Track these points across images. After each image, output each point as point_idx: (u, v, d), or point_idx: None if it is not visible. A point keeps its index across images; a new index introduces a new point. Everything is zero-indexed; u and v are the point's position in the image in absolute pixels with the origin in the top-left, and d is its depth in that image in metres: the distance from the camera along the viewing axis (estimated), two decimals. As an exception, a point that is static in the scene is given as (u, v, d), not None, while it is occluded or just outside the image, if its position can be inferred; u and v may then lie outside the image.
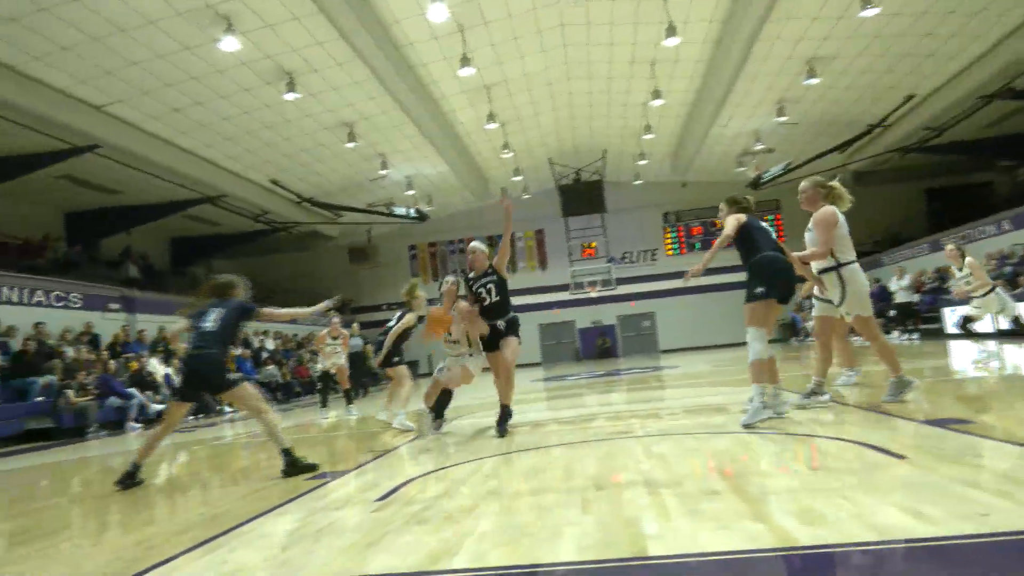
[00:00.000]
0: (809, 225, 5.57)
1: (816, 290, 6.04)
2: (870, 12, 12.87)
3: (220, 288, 5.08)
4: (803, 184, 5.71)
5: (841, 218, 5.43)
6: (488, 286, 5.85)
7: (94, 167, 15.20)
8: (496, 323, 5.85)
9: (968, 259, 9.19)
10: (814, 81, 16.28)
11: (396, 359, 7.70)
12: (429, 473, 4.18)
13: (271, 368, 17.95)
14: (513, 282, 24.69)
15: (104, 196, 17.45)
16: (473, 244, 6.09)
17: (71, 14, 10.70)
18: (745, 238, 5.17)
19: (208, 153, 16.80)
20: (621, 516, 2.61)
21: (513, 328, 5.92)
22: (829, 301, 5.62)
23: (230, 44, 11.80)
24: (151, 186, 16.81)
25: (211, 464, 6.16)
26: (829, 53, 15.51)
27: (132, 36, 11.63)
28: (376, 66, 14.14)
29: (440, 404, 6.42)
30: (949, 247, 9.38)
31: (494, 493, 3.31)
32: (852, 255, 5.35)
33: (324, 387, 12.07)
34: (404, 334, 7.54)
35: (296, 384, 18.49)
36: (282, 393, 17.61)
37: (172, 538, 3.01)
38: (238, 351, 17.56)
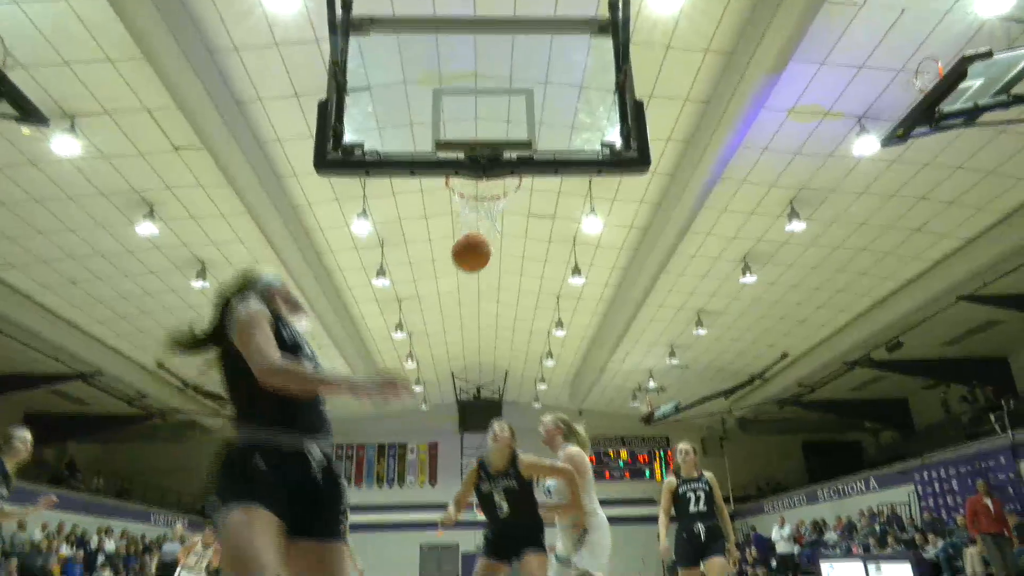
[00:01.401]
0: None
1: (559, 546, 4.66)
2: (749, 279, 14.54)
3: None
4: (546, 418, 5.07)
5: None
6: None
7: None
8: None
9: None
10: (702, 332, 17.72)
11: None
12: None
13: (106, 574, 15.61)
14: (399, 496, 23.36)
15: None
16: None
17: (-15, 178, 10.59)
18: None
19: (96, 329, 15.98)
20: None
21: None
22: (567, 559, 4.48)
23: (147, 229, 11.84)
24: (18, 356, 15.59)
25: None
26: (716, 308, 17.11)
27: (46, 207, 11.51)
28: (292, 267, 14.39)
29: None
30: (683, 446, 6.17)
31: None
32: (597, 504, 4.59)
33: None
34: None
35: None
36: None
37: None
38: (69, 551, 15.30)
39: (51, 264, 13.09)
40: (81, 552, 15.77)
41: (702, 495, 5.41)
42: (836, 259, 14.15)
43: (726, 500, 27.94)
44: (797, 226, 12.35)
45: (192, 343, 2.73)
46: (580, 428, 5.01)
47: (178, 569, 9.54)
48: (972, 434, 15.83)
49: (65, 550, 15.17)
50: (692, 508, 5.35)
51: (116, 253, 13.13)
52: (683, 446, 5.76)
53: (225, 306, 2.71)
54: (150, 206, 11.70)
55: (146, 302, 15.24)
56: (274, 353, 2.40)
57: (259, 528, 2.17)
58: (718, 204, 12.54)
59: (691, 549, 5.26)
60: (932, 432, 18.99)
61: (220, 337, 2.61)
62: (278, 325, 2.62)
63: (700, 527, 5.28)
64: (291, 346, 2.61)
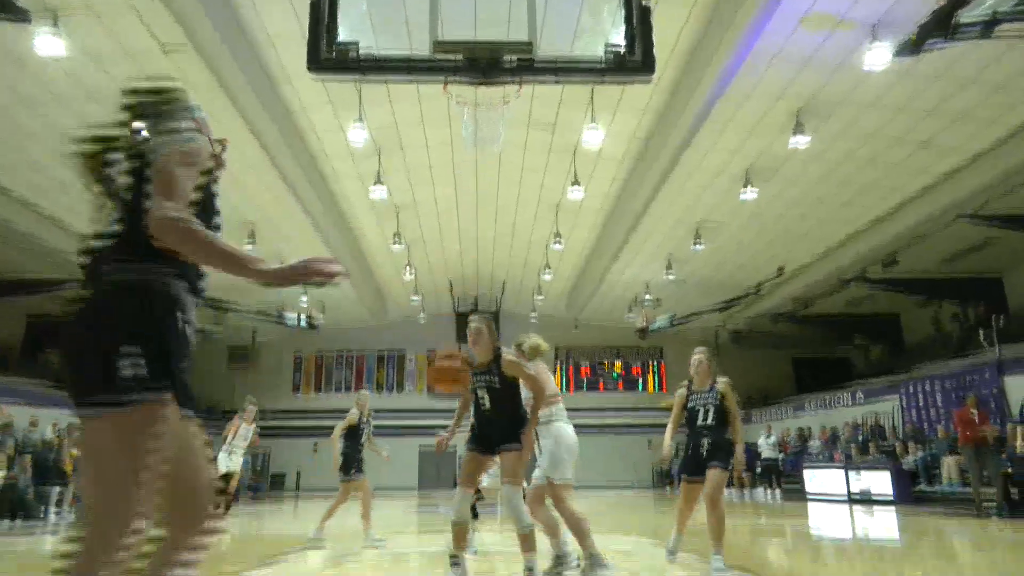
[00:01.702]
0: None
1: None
2: (750, 194, 14.42)
3: None
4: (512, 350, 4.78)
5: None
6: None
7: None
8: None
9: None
10: (700, 246, 17.75)
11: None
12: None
13: None
14: (399, 403, 24.03)
15: (-39, 264, 16.04)
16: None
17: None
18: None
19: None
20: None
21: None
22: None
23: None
24: (17, 260, 15.63)
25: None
26: (715, 223, 17.06)
27: (34, 110, 11.24)
28: (289, 174, 14.20)
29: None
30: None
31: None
32: (559, 415, 4.89)
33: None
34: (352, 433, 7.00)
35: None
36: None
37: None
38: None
39: (43, 170, 12.90)
40: None
41: (711, 408, 5.17)
42: (839, 175, 14.00)
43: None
44: (802, 140, 12.13)
45: (99, 156, 1.92)
46: (540, 342, 5.03)
47: (223, 447, 9.52)
48: (960, 351, 16.15)
49: (74, 450, 15.70)
50: (700, 422, 5.19)
51: (109, 157, 12.92)
52: (696, 355, 5.40)
53: (143, 117, 1.99)
54: (141, 108, 11.41)
55: (142, 208, 15.13)
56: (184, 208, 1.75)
57: (166, 440, 1.64)
58: (723, 116, 12.27)
59: (694, 463, 5.13)
60: (921, 349, 19.37)
61: (133, 155, 1.90)
62: (210, 185, 1.97)
63: (706, 441, 5.11)
64: (214, 217, 1.98)
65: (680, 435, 5.44)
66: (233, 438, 9.51)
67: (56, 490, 13.02)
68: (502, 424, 4.31)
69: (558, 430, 4.75)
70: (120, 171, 1.90)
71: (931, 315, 19.33)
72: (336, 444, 7.09)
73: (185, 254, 1.73)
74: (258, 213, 16.26)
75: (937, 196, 13.93)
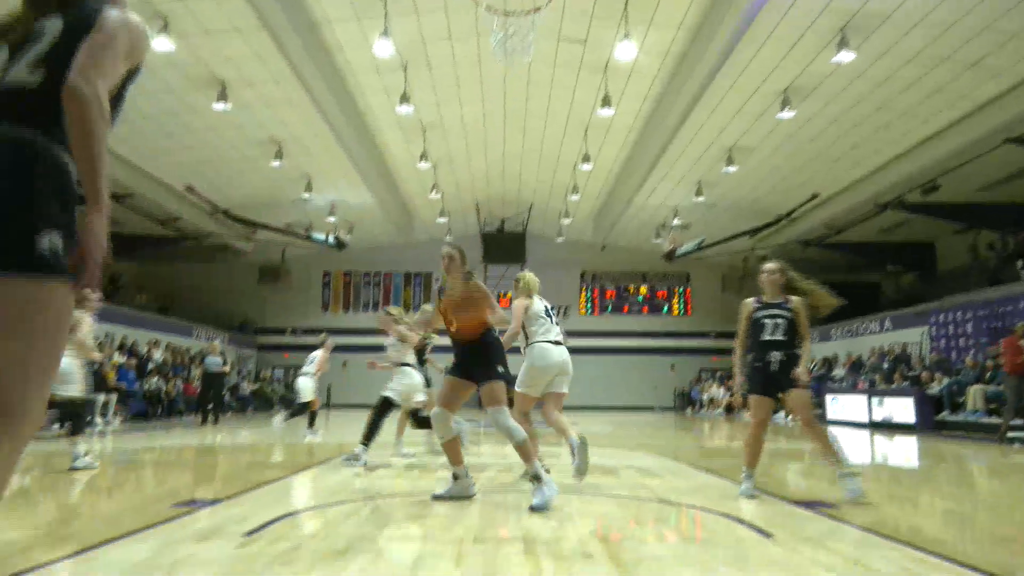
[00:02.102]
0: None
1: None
2: (787, 115, 13.90)
3: None
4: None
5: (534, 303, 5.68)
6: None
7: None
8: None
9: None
10: (732, 169, 17.31)
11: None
12: (305, 510, 4.01)
13: (156, 380, 16.92)
14: (424, 322, 23.91)
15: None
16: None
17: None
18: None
19: (121, 149, 16.01)
20: (492, 572, 2.58)
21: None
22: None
23: (162, 44, 11.42)
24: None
25: (70, 479, 5.68)
26: (748, 145, 16.56)
27: None
28: (314, 89, 14.00)
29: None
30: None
31: (368, 538, 3.20)
32: (539, 337, 5.50)
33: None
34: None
35: (180, 401, 17.45)
36: (163, 409, 16.60)
37: (7, 559, 2.74)
38: (121, 359, 16.52)
39: (70, 81, 12.86)
40: (133, 360, 16.99)
41: (781, 322, 4.79)
42: (881, 95, 13.38)
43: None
44: (845, 57, 11.56)
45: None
46: (529, 278, 5.85)
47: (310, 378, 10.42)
48: (995, 280, 15.78)
49: (118, 357, 16.35)
50: (767, 335, 4.80)
51: (134, 70, 12.80)
52: (769, 265, 5.00)
53: None
54: (164, 19, 11.21)
55: (168, 123, 15.10)
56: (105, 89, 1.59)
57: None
58: (763, 30, 11.68)
59: (763, 379, 4.76)
60: (954, 277, 18.97)
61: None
62: (130, 76, 1.82)
63: (775, 356, 4.74)
64: (118, 109, 1.82)
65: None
66: (317, 370, 10.40)
67: (101, 398, 13.61)
68: (473, 349, 4.55)
69: (539, 349, 5.41)
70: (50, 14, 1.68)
71: (967, 243, 18.82)
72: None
73: (77, 136, 1.53)
74: (285, 130, 16.15)
75: (980, 121, 13.32)
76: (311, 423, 10.32)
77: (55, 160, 1.56)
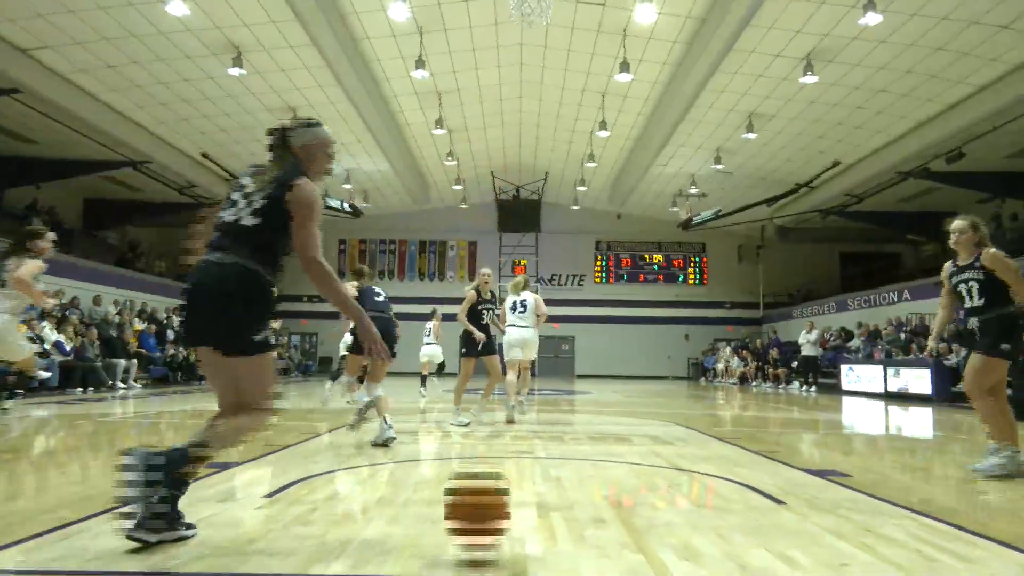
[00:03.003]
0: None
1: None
2: (810, 79, 13.62)
3: None
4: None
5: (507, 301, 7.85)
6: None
7: (9, 111, 14.28)
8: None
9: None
10: (751, 136, 17.03)
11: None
12: (323, 474, 4.09)
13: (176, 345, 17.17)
14: (440, 290, 24.60)
15: (15, 143, 16.41)
16: (487, 270, 7.67)
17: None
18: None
19: (138, 115, 16.06)
20: (508, 536, 2.63)
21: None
22: None
23: (177, 8, 11.37)
24: (71, 141, 15.92)
25: (95, 442, 5.82)
26: (768, 112, 16.26)
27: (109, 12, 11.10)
28: (329, 54, 13.89)
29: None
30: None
31: (385, 501, 3.27)
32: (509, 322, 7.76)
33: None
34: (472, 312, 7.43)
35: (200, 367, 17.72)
36: (183, 374, 16.88)
37: (34, 517, 2.83)
38: (142, 326, 16.78)
39: (85, 45, 12.85)
40: (154, 326, 17.25)
41: (975, 287, 4.31)
42: (907, 59, 13.05)
43: (755, 307, 28.81)
44: (872, 18, 11.26)
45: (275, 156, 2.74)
46: (518, 280, 7.86)
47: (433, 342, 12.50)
48: (1019, 250, 15.51)
49: (138, 324, 16.61)
50: (966, 302, 4.38)
51: (149, 35, 12.77)
52: (955, 223, 4.48)
53: (286, 154, 2.73)
54: (178, -17, 11.14)
55: (184, 89, 15.09)
56: (319, 248, 2.60)
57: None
58: (786, -8, 11.42)
59: (966, 345, 4.46)
60: (977, 247, 18.65)
61: (277, 184, 2.57)
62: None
63: (974, 322, 4.34)
64: None
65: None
66: (433, 336, 12.47)
67: (122, 363, 13.85)
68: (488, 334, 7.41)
69: (508, 332, 7.69)
70: (266, 178, 2.60)
71: (992, 212, 18.47)
72: (465, 323, 7.33)
73: (319, 287, 2.69)
74: (300, 96, 16.08)
75: (1014, 83, 12.97)
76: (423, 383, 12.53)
77: (263, 283, 2.54)
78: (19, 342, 5.47)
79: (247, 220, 2.51)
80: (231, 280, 2.45)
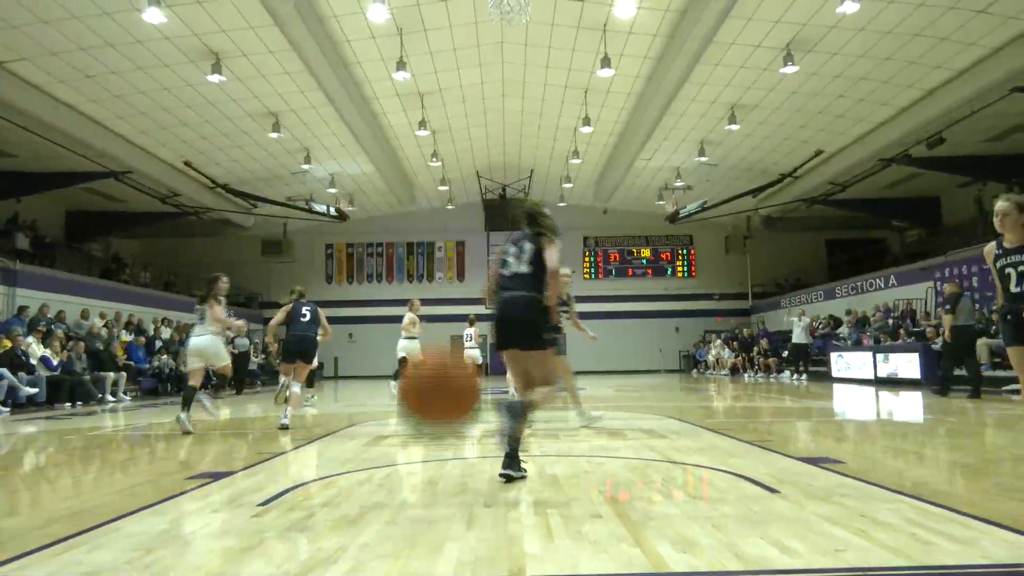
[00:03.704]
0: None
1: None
2: (790, 69, 13.69)
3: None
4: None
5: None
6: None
7: (-13, 126, 14.13)
8: None
9: None
10: (735, 127, 17.12)
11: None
12: (318, 480, 4.07)
13: (165, 358, 17.04)
14: (430, 291, 24.49)
15: (-6, 158, 16.24)
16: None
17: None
18: None
19: (118, 125, 15.90)
20: (505, 534, 2.62)
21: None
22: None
23: (154, 16, 11.25)
24: (51, 153, 15.73)
25: (86, 455, 5.77)
26: (751, 102, 16.34)
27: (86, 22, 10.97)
28: (309, 59, 13.81)
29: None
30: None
31: (381, 504, 3.25)
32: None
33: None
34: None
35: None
36: (173, 385, 16.75)
37: (28, 533, 2.79)
38: (130, 337, 16.64)
39: (62, 56, 12.71)
40: (142, 338, 17.09)
41: None
42: (886, 46, 13.16)
43: (744, 297, 28.97)
44: (850, 6, 11.36)
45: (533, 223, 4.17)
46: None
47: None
48: (1001, 233, 15.66)
49: (125, 335, 16.45)
50: (1013, 287, 4.10)
51: (126, 43, 12.64)
52: (1000, 204, 4.20)
53: (538, 219, 4.18)
54: (153, -9, 11.03)
55: (164, 98, 14.96)
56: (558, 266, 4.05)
57: None
58: (764, -17, 11.47)
59: (1012, 331, 4.12)
60: (959, 231, 18.86)
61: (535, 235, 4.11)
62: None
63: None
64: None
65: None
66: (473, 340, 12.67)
67: (111, 376, 13.72)
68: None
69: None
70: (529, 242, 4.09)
71: (974, 195, 18.65)
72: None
73: (552, 290, 4.00)
74: (281, 102, 16.00)
75: (986, 70, 13.11)
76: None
77: (542, 304, 3.94)
78: (224, 353, 7.40)
79: (524, 269, 3.99)
80: (526, 305, 3.92)
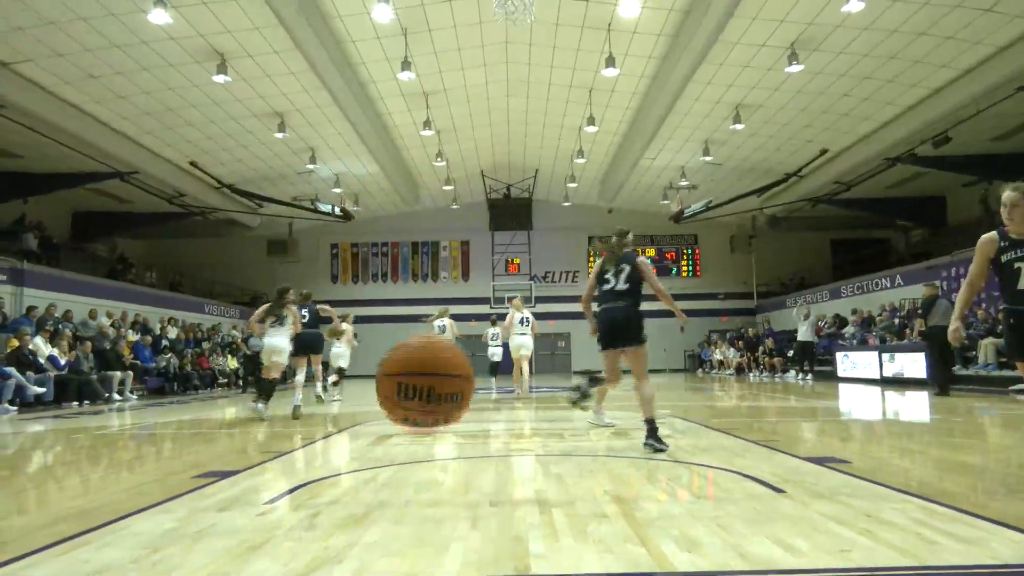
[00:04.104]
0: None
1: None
2: (795, 68, 13.66)
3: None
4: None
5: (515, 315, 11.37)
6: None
7: (-6, 126, 14.20)
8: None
9: None
10: (739, 127, 17.08)
11: None
12: (323, 479, 4.08)
13: (170, 356, 17.10)
14: (434, 291, 24.49)
15: (0, 159, 16.29)
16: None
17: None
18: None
19: (123, 126, 15.96)
20: (510, 533, 2.63)
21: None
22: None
23: (159, 17, 11.29)
24: (57, 154, 15.81)
25: (93, 454, 5.80)
26: (755, 102, 16.31)
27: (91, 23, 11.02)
28: (314, 59, 13.84)
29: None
30: None
31: (386, 503, 3.26)
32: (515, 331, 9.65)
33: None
34: None
35: (195, 376, 17.65)
36: (179, 384, 16.81)
37: (35, 532, 2.81)
38: (136, 337, 16.71)
39: (68, 57, 12.76)
40: (148, 337, 17.15)
41: None
42: (892, 44, 13.12)
43: (748, 296, 28.89)
44: (855, 5, 11.34)
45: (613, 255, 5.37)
46: (516, 301, 11.84)
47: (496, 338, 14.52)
48: (1007, 224, 15.58)
49: (132, 335, 16.51)
50: (1021, 284, 3.64)
51: (131, 44, 12.70)
52: (1007, 193, 3.71)
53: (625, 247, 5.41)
54: (159, -9, 11.07)
55: (170, 98, 15.01)
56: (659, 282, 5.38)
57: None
58: (769, -18, 11.44)
59: (1017, 342, 3.71)
60: (965, 230, 18.77)
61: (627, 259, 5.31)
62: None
63: None
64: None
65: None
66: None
67: (118, 375, 13.78)
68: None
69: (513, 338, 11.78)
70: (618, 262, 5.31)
71: (979, 194, 18.58)
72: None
73: (659, 294, 5.40)
74: (286, 102, 16.04)
75: (993, 69, 13.08)
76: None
77: (639, 314, 5.28)
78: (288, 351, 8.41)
79: (622, 287, 5.23)
80: (628, 314, 5.22)
